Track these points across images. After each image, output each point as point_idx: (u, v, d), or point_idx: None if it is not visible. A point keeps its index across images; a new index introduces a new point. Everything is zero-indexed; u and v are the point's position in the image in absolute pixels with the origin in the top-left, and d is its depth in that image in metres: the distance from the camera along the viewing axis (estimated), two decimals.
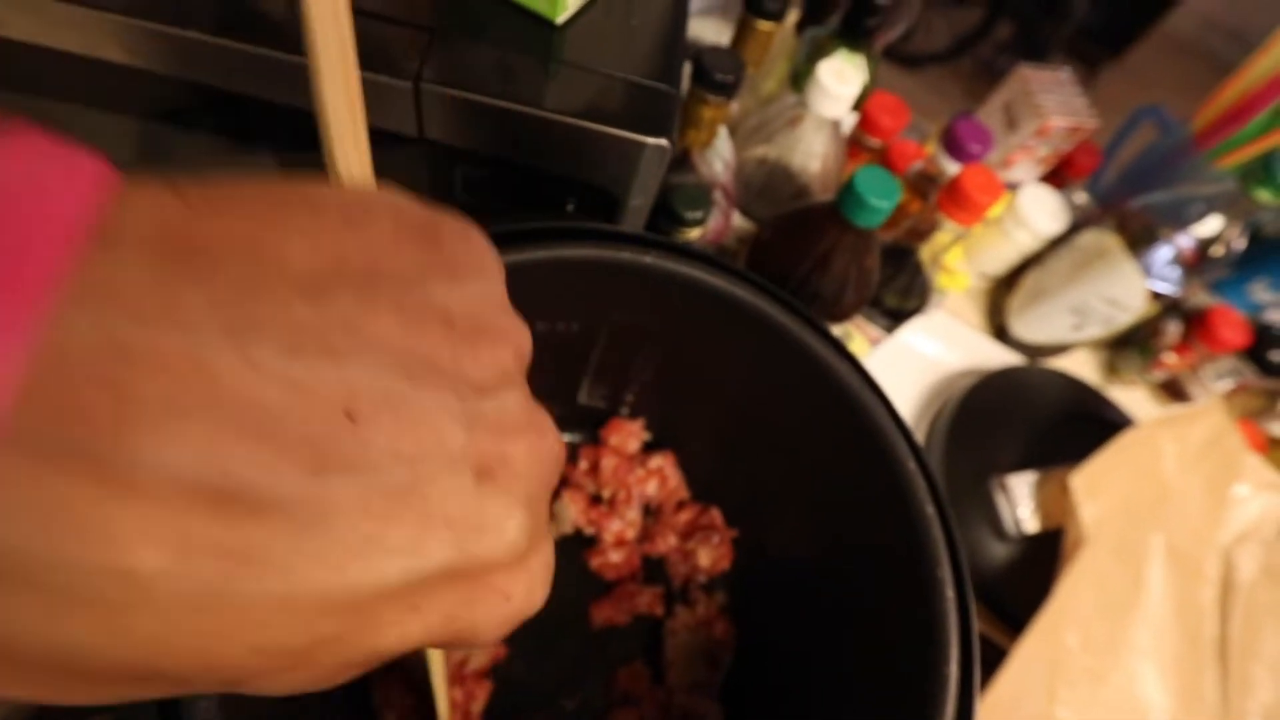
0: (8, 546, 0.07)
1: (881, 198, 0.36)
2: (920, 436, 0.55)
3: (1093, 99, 0.60)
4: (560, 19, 0.29)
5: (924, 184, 0.51)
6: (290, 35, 0.26)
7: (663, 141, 0.27)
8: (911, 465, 0.25)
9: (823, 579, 0.32)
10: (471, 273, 0.12)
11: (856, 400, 0.27)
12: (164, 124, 0.30)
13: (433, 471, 0.10)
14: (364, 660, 0.11)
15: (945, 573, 0.24)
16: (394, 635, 0.11)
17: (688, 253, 0.28)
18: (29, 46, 0.26)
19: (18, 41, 0.26)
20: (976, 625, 0.24)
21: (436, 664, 0.26)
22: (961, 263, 0.63)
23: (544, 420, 0.13)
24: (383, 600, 0.10)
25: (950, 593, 0.23)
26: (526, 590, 0.12)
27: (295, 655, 0.10)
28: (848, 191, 0.37)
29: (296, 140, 0.29)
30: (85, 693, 0.09)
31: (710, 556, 0.38)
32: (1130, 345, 0.63)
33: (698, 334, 0.32)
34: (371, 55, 0.26)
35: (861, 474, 0.27)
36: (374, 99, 0.20)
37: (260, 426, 0.09)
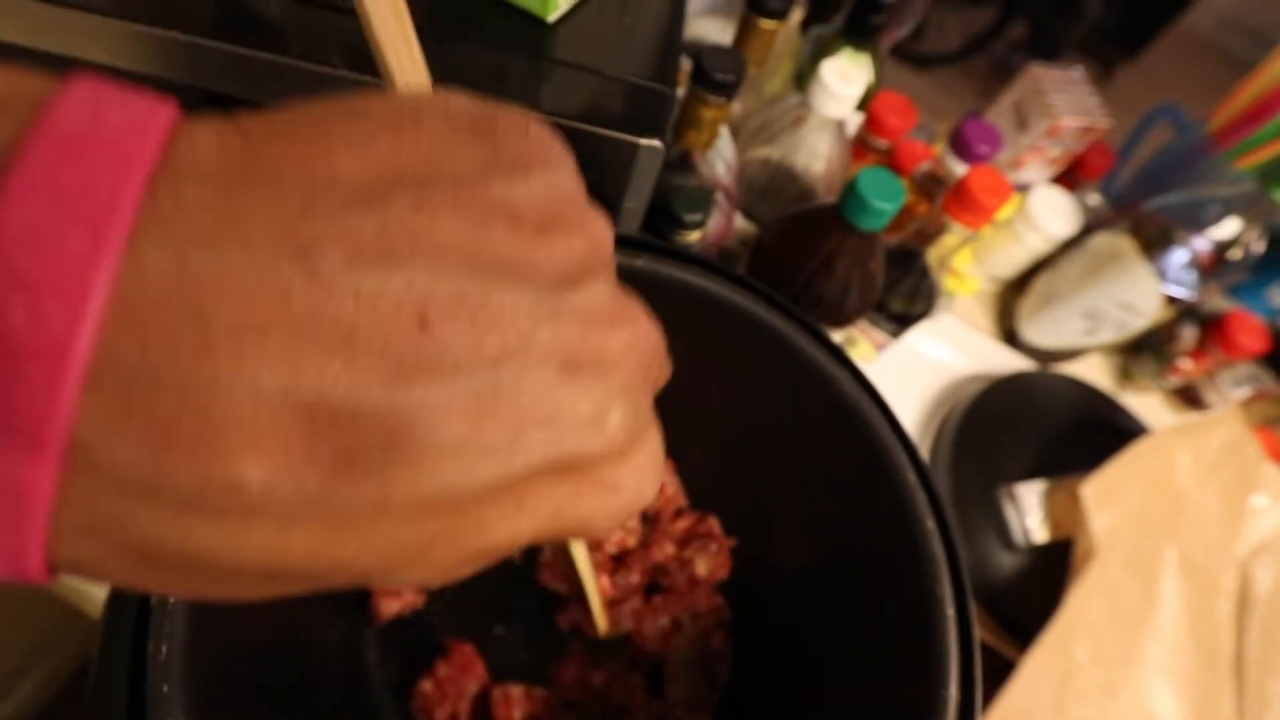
0: (130, 467, 0.08)
1: (885, 200, 0.35)
2: (927, 443, 0.54)
3: (1106, 99, 0.59)
4: (552, 17, 0.28)
5: (931, 185, 0.50)
6: (278, 37, 0.26)
7: (655, 143, 0.27)
8: (912, 477, 0.25)
9: (820, 593, 0.31)
10: (533, 166, 0.12)
11: (855, 409, 0.26)
12: None
13: (520, 370, 0.10)
14: (479, 555, 0.11)
15: (945, 590, 0.23)
16: (503, 532, 0.11)
17: (681, 256, 0.28)
18: (12, 48, 0.25)
19: (2, 43, 0.26)
20: (979, 646, 0.23)
21: (579, 552, 0.26)
22: (971, 266, 0.62)
23: (635, 310, 0.13)
24: (485, 500, 0.10)
25: (950, 611, 0.22)
26: (635, 482, 0.12)
27: (408, 553, 0.10)
28: (850, 193, 0.36)
29: None
30: (224, 589, 0.10)
31: (708, 565, 0.37)
32: (1144, 350, 0.62)
33: (692, 339, 0.31)
34: (357, 55, 0.26)
35: (860, 485, 0.27)
36: None
37: (336, 339, 0.09)
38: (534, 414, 0.10)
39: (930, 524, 0.24)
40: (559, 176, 0.12)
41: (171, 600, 0.20)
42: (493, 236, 0.10)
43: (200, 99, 0.27)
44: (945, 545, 0.23)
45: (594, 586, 0.31)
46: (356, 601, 0.36)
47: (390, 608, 0.35)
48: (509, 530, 0.11)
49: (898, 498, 0.24)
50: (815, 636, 0.32)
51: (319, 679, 0.31)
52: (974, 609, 0.23)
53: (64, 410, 0.08)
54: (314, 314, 0.09)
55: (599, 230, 0.12)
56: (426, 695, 0.34)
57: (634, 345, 0.12)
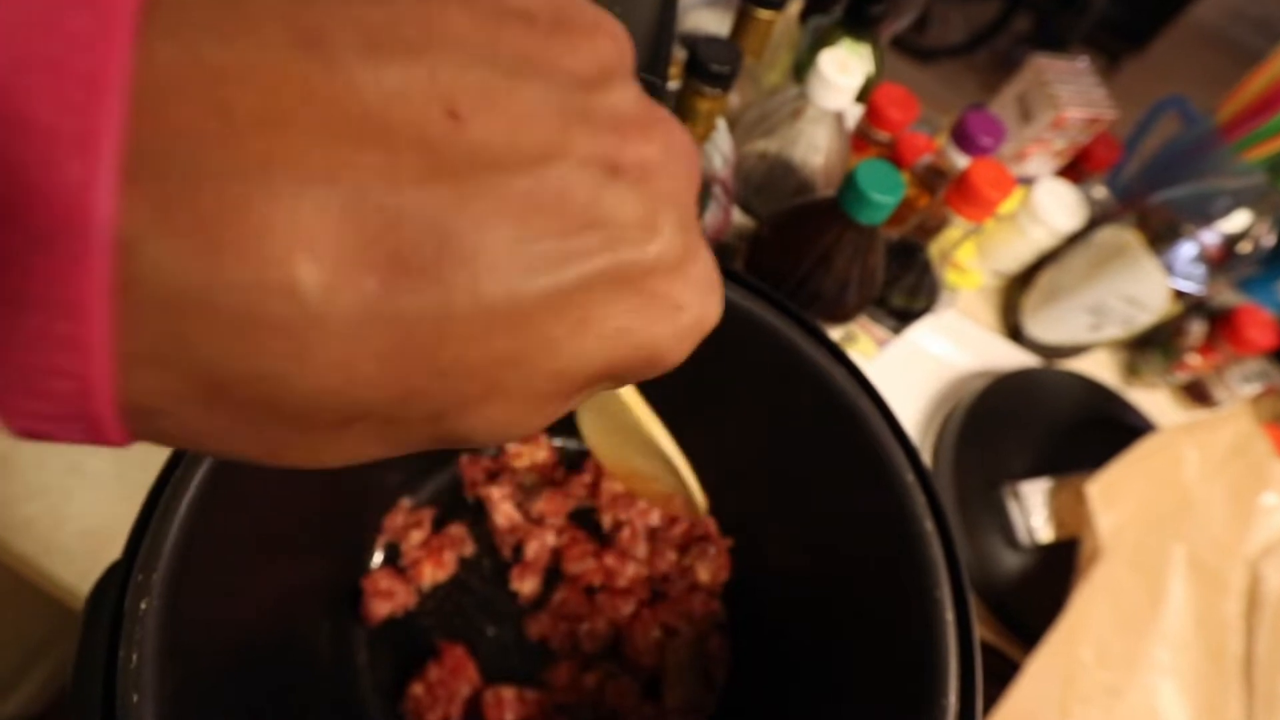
0: (181, 273, 0.08)
1: (884, 192, 0.34)
2: (930, 441, 0.53)
3: (1112, 92, 0.58)
4: None
5: (933, 178, 0.49)
6: None
7: None
8: (910, 478, 0.24)
9: (817, 595, 0.30)
10: None
11: (853, 409, 0.25)
12: None
13: (564, 170, 0.10)
14: (553, 386, 0.11)
15: (945, 594, 0.22)
16: (572, 351, 0.10)
17: None
18: None
19: None
20: (979, 651, 0.22)
21: (633, 401, 0.24)
22: (974, 260, 0.61)
23: (667, 116, 0.12)
24: (547, 310, 0.10)
25: (950, 615, 0.22)
26: (699, 298, 0.12)
27: (481, 380, 0.10)
28: (849, 186, 0.35)
29: None
30: (304, 441, 0.10)
31: (709, 570, 0.37)
32: (1151, 346, 0.61)
33: None
34: None
35: (857, 486, 0.26)
36: None
37: (367, 132, 0.08)
38: (585, 217, 0.10)
39: (929, 526, 0.23)
40: None
41: (144, 605, 0.19)
42: (507, 32, 0.10)
43: None
44: (945, 548, 0.22)
45: (681, 459, 0.27)
46: (347, 603, 0.35)
47: (381, 609, 0.35)
48: (577, 350, 0.10)
49: (896, 499, 0.24)
50: (812, 638, 0.31)
51: (307, 684, 0.30)
52: (975, 613, 0.22)
53: (103, 201, 0.07)
54: (339, 104, 0.08)
55: (619, 35, 0.12)
56: (417, 699, 0.34)
57: (676, 152, 0.12)
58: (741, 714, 0.34)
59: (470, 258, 0.09)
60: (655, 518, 0.37)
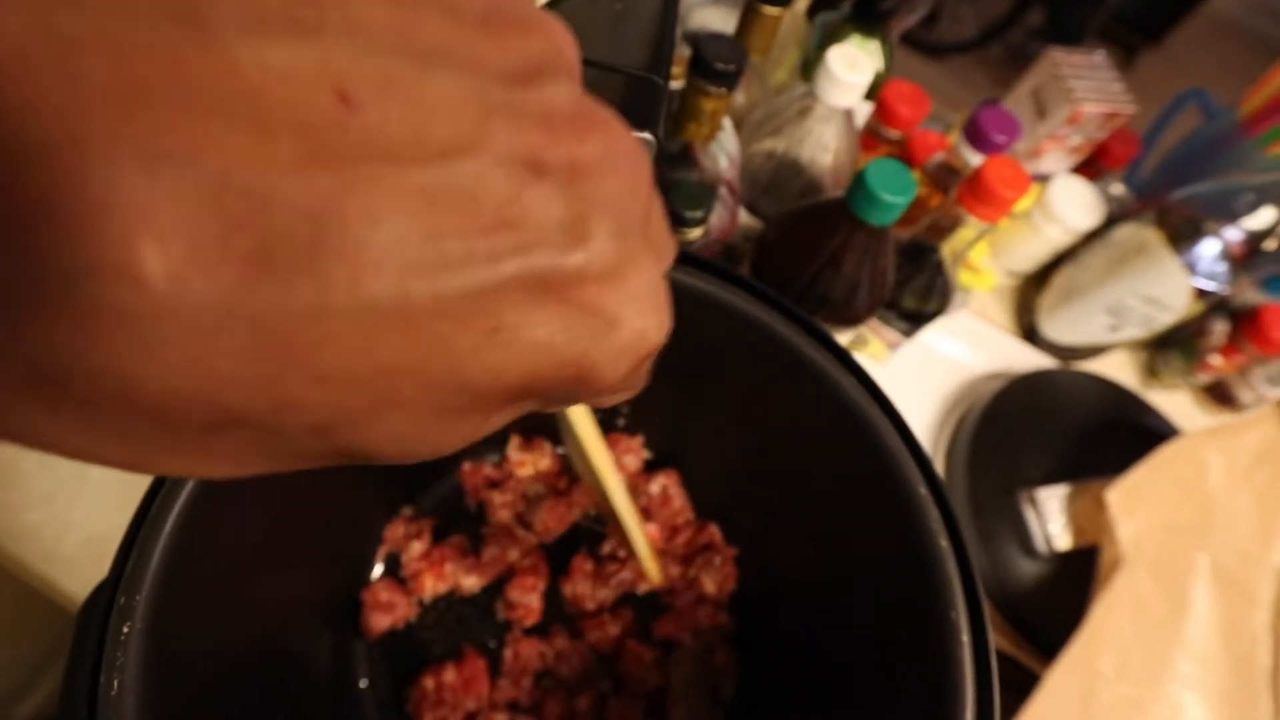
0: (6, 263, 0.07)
1: (895, 193, 0.33)
2: (943, 444, 0.52)
3: (1130, 86, 0.56)
4: (538, 4, 0.27)
5: (945, 176, 0.48)
6: None
7: (647, 136, 0.25)
8: (923, 491, 0.23)
9: (827, 612, 0.29)
10: None
11: (862, 418, 0.24)
12: None
13: (478, 166, 0.09)
14: (460, 401, 0.10)
15: (960, 615, 0.21)
16: (481, 363, 0.09)
17: (677, 257, 0.26)
18: None
19: None
20: (996, 674, 0.21)
21: (587, 434, 0.23)
22: (988, 259, 0.60)
23: (609, 118, 0.11)
24: (449, 316, 0.09)
25: (965, 638, 0.21)
26: (635, 314, 0.11)
27: (369, 388, 0.09)
28: (858, 186, 0.34)
29: None
30: (169, 444, 0.09)
31: (715, 580, 0.36)
32: (1172, 346, 0.59)
33: (691, 343, 0.29)
34: None
35: (867, 499, 0.25)
36: None
37: (239, 112, 0.08)
38: (499, 216, 0.09)
39: (944, 543, 0.22)
40: None
41: (126, 629, 0.19)
42: (427, 22, 0.09)
43: None
44: (960, 566, 0.21)
45: (632, 517, 0.26)
46: (347, 616, 0.34)
47: (381, 623, 0.34)
48: (488, 363, 0.09)
49: (908, 513, 0.23)
50: (823, 653, 0.30)
51: (305, 700, 0.30)
52: (991, 637, 0.21)
53: None
54: (209, 81, 0.08)
55: (558, 35, 0.11)
56: (425, 692, 0.33)
57: (613, 155, 0.11)
58: None
59: (352, 253, 0.08)
60: (651, 528, 0.36)
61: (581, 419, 0.22)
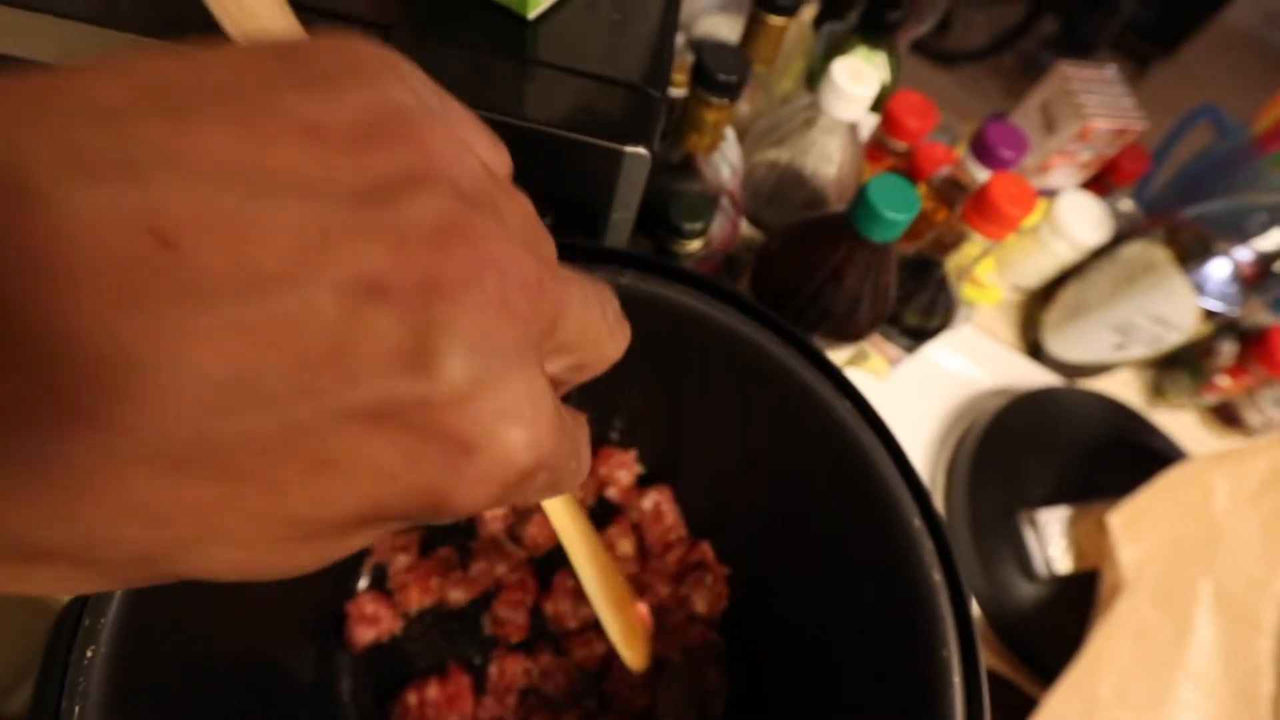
0: None
1: (898, 210, 0.33)
2: (943, 461, 0.51)
3: (1141, 98, 0.55)
4: (533, 14, 0.26)
5: (951, 191, 0.47)
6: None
7: (642, 150, 0.25)
8: (917, 522, 0.22)
9: (818, 639, 0.28)
10: (344, 79, 0.10)
11: (855, 444, 0.24)
12: None
13: (306, 294, 0.09)
14: (293, 532, 0.10)
15: (953, 653, 0.20)
16: (307, 498, 0.09)
17: (667, 272, 0.26)
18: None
19: None
20: (989, 711, 0.21)
21: (562, 525, 0.22)
22: (992, 274, 0.59)
23: (486, 227, 0.10)
24: (264, 452, 0.09)
25: (957, 679, 0.20)
26: (498, 436, 0.10)
27: (183, 524, 0.09)
28: (860, 202, 0.33)
29: None
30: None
31: (706, 599, 0.35)
32: (1179, 365, 0.58)
33: (684, 361, 0.29)
34: None
35: (859, 530, 0.24)
36: None
37: (44, 259, 0.08)
38: (323, 346, 0.09)
39: (937, 577, 0.21)
40: (386, 90, 0.10)
41: (90, 653, 0.18)
42: (276, 148, 0.09)
43: None
44: (954, 603, 0.21)
45: (605, 606, 0.26)
46: (331, 628, 0.34)
47: (365, 635, 0.34)
48: (318, 496, 0.09)
49: (901, 545, 0.22)
50: (813, 680, 0.29)
51: (284, 713, 0.29)
52: (984, 673, 0.20)
53: None
54: (15, 230, 0.07)
55: (440, 142, 0.10)
56: (408, 708, 0.32)
57: (481, 268, 0.10)
58: None
59: (153, 397, 0.08)
60: (644, 609, 0.35)
61: (556, 509, 0.22)
